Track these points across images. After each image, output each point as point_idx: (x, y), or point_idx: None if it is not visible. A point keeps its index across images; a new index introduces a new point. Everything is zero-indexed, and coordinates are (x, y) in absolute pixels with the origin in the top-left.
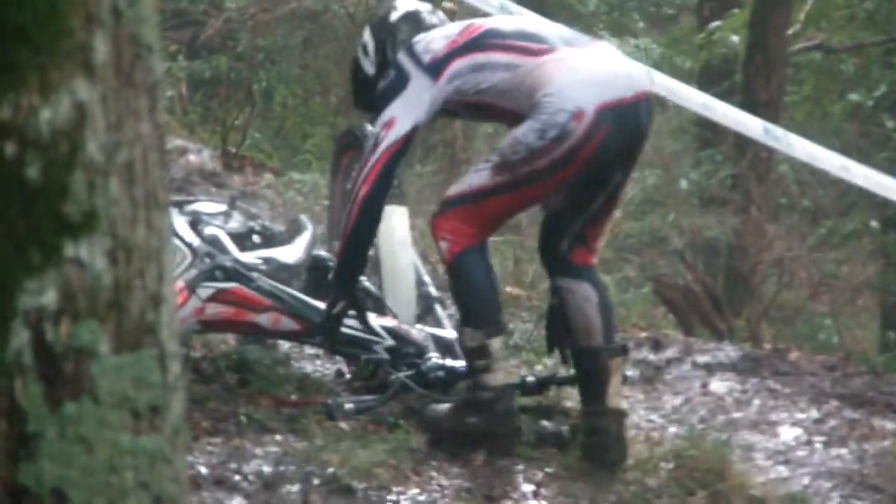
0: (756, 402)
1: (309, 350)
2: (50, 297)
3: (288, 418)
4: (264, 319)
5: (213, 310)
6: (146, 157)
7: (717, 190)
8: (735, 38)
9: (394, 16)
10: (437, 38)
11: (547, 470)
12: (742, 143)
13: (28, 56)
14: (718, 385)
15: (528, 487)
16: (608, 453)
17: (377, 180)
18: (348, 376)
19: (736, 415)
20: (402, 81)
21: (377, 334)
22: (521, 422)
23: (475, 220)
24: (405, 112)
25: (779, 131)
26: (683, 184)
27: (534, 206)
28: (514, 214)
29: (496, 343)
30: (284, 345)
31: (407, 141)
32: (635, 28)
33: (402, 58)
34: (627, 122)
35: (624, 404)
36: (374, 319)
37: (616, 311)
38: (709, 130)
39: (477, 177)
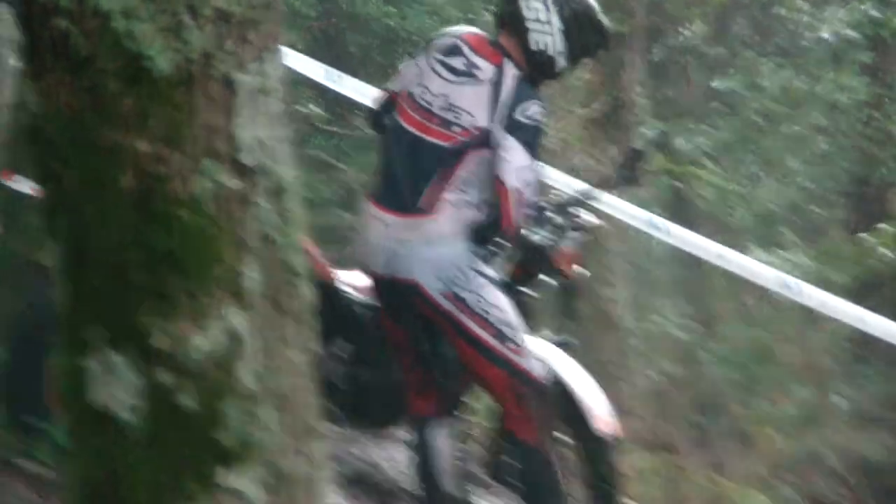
0: None
1: None
2: None
3: None
4: None
5: None
6: (300, 386)
7: (871, 407)
8: (887, 252)
9: None
10: None
11: None
12: None
13: (179, 283)
14: None
15: None
16: None
17: None
18: None
19: None
20: None
21: None
22: None
23: None
24: None
25: None
26: (836, 399)
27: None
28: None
29: None
30: None
31: None
32: (784, 241)
33: None
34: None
35: None
36: None
37: None
38: (862, 347)
39: None
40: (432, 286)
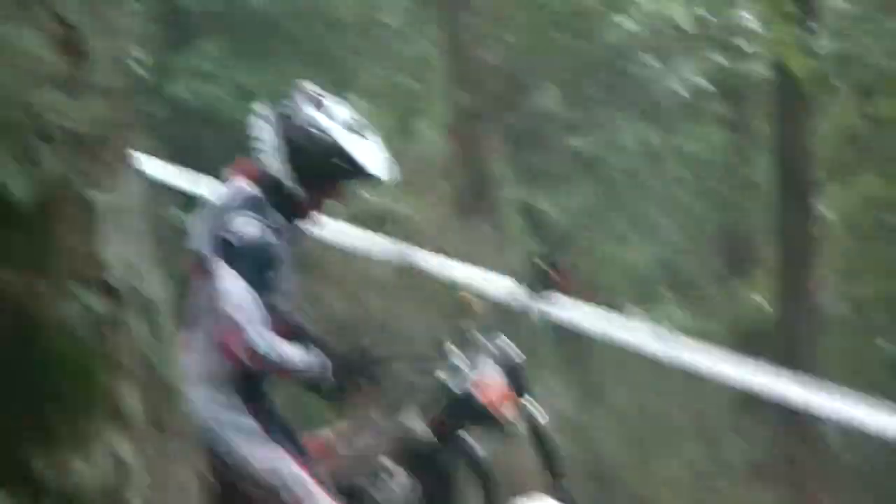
0: None
1: None
2: None
3: None
4: None
5: None
6: (186, 500)
7: (766, 458)
8: (761, 299)
9: None
10: None
11: None
12: None
13: (57, 413)
14: None
15: None
16: None
17: None
18: None
19: None
20: None
21: None
22: None
23: None
24: None
25: None
26: (727, 455)
27: None
28: None
29: None
30: None
31: None
32: (658, 296)
33: None
34: None
35: None
36: None
37: None
38: (749, 400)
39: None
40: None
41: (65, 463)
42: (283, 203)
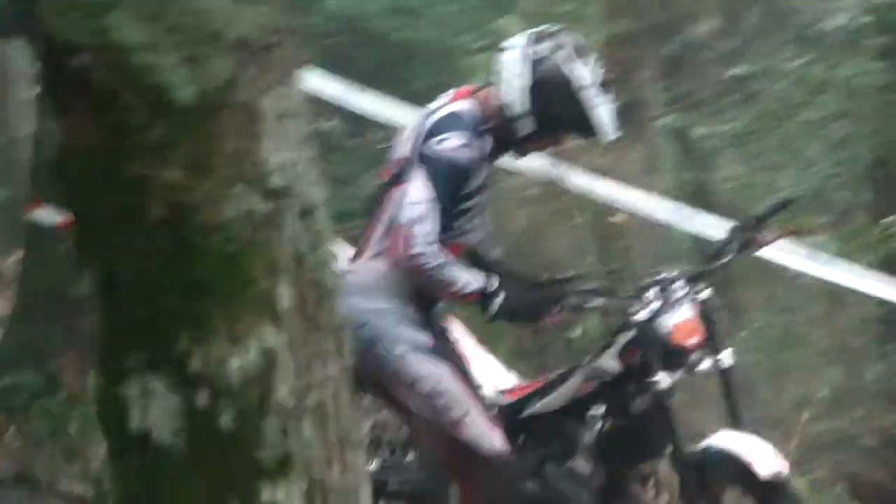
0: None
1: None
2: None
3: None
4: None
5: None
6: (337, 398)
7: None
8: None
9: None
10: None
11: None
12: None
13: (213, 308)
14: None
15: None
16: None
17: None
18: None
19: None
20: None
21: None
22: None
23: None
24: None
25: None
26: (868, 379)
27: None
28: None
29: None
30: None
31: None
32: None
33: None
34: None
35: None
36: None
37: None
38: (891, 327)
39: None
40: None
41: (220, 356)
42: (507, 136)
